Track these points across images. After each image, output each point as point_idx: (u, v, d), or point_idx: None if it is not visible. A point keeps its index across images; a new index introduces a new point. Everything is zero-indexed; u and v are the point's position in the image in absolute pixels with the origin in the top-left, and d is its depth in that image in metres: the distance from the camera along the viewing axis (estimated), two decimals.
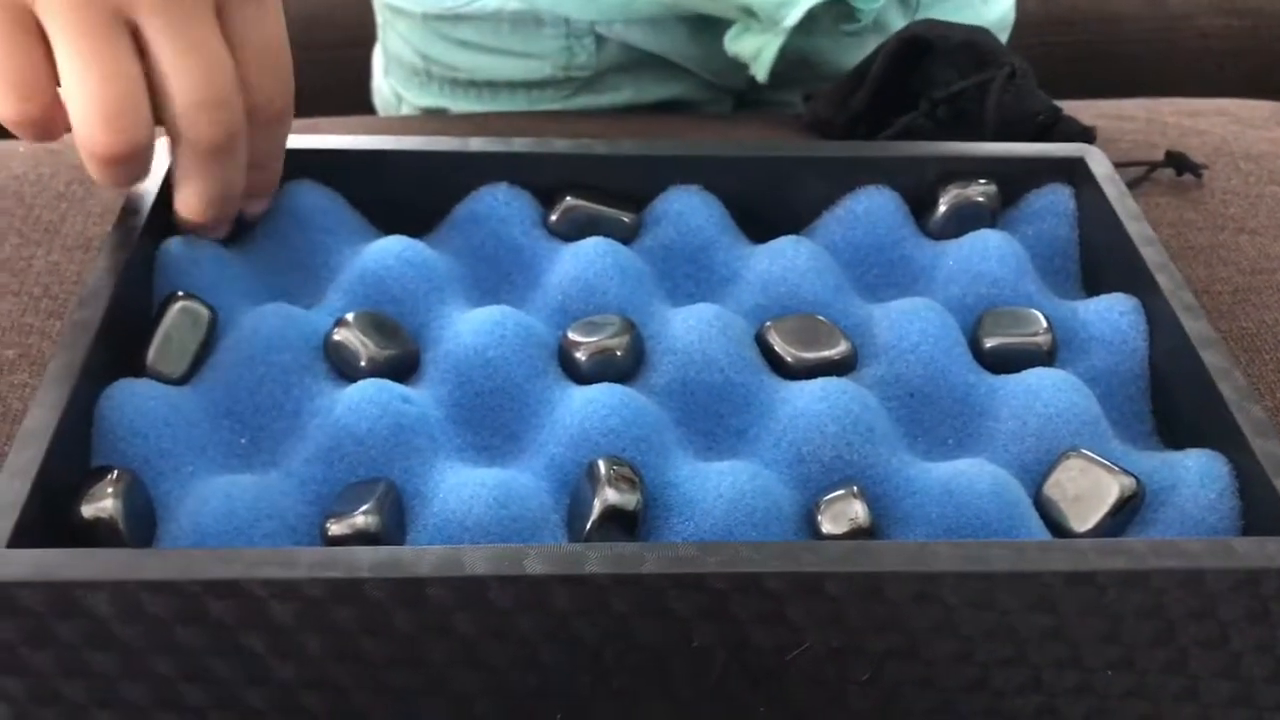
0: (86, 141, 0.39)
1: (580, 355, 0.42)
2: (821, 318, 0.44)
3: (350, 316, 0.42)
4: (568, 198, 0.48)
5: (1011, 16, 0.70)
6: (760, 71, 0.60)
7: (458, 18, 0.63)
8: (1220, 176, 0.59)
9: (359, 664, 0.34)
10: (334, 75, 0.82)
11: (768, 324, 0.44)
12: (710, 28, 0.63)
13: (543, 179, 0.48)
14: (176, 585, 0.32)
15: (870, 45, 0.59)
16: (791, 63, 0.60)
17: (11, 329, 0.47)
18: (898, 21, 0.64)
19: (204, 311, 0.42)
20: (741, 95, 0.70)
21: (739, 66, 0.62)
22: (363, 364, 0.41)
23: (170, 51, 0.39)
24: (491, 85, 0.66)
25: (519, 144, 0.48)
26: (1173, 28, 0.87)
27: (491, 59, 0.64)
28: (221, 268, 0.45)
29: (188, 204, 0.43)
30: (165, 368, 0.41)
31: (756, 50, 0.59)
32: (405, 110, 0.71)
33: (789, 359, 0.43)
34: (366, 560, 0.33)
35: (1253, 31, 0.88)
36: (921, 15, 0.64)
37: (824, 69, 0.64)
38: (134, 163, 0.40)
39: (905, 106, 0.57)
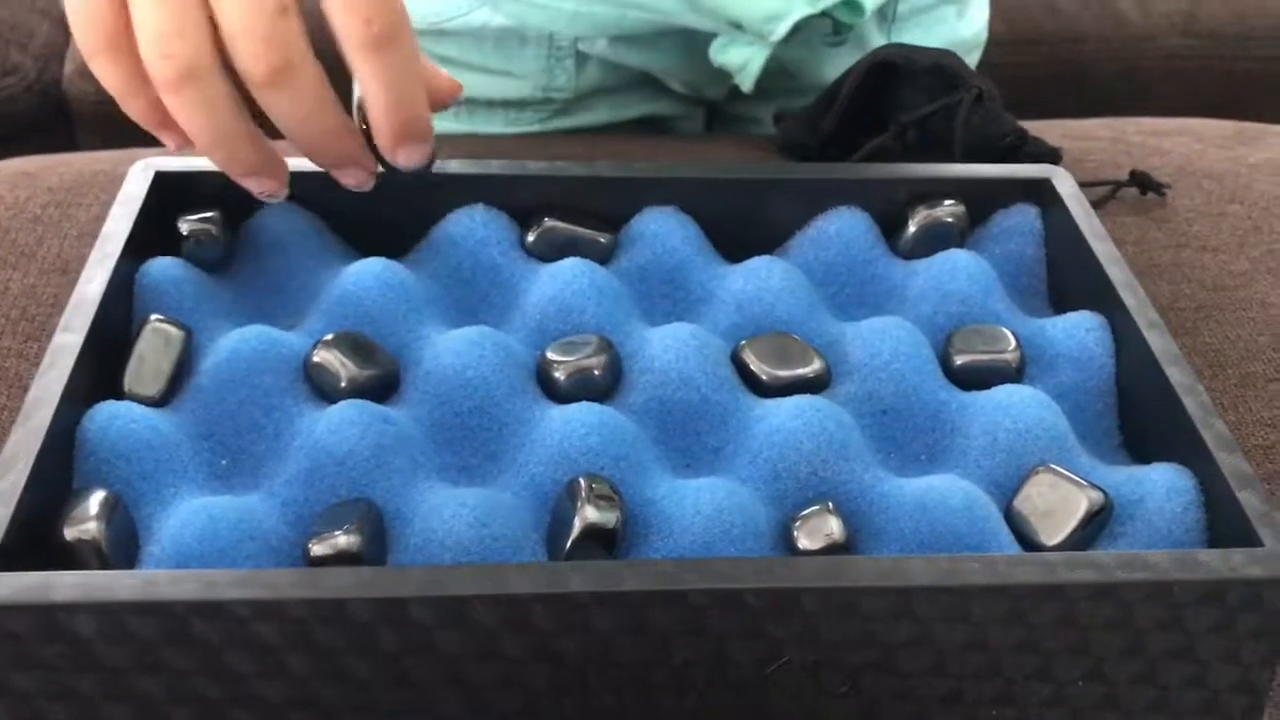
0: (149, 68, 0.37)
1: (559, 374, 0.43)
2: (795, 336, 0.45)
3: (330, 337, 0.43)
4: (545, 219, 0.48)
5: (985, 35, 0.71)
6: (745, 82, 0.61)
7: (441, 33, 0.64)
8: (1183, 195, 0.60)
9: (344, 684, 0.34)
10: None
11: (743, 343, 0.45)
12: (693, 40, 0.63)
13: (519, 200, 0.49)
14: (160, 607, 0.32)
15: (847, 58, 0.60)
16: (771, 73, 0.61)
17: None
18: (875, 36, 0.65)
19: (176, 332, 0.42)
20: (714, 108, 0.71)
21: (719, 77, 0.63)
22: (343, 385, 0.42)
23: None
24: (471, 103, 0.66)
25: (496, 165, 0.49)
26: (1137, 49, 0.89)
27: (472, 76, 0.65)
28: (201, 290, 0.45)
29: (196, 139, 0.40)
30: (141, 389, 0.41)
31: (744, 61, 0.60)
32: None
33: (764, 377, 0.44)
34: (349, 581, 0.33)
35: (1214, 52, 0.89)
36: (898, 31, 0.65)
37: (801, 80, 0.65)
38: (193, 90, 0.37)
39: (875, 129, 0.58)
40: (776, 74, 0.64)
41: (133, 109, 0.39)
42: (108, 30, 0.38)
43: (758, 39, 0.59)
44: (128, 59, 0.38)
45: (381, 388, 0.43)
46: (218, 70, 0.38)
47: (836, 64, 0.61)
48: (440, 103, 0.43)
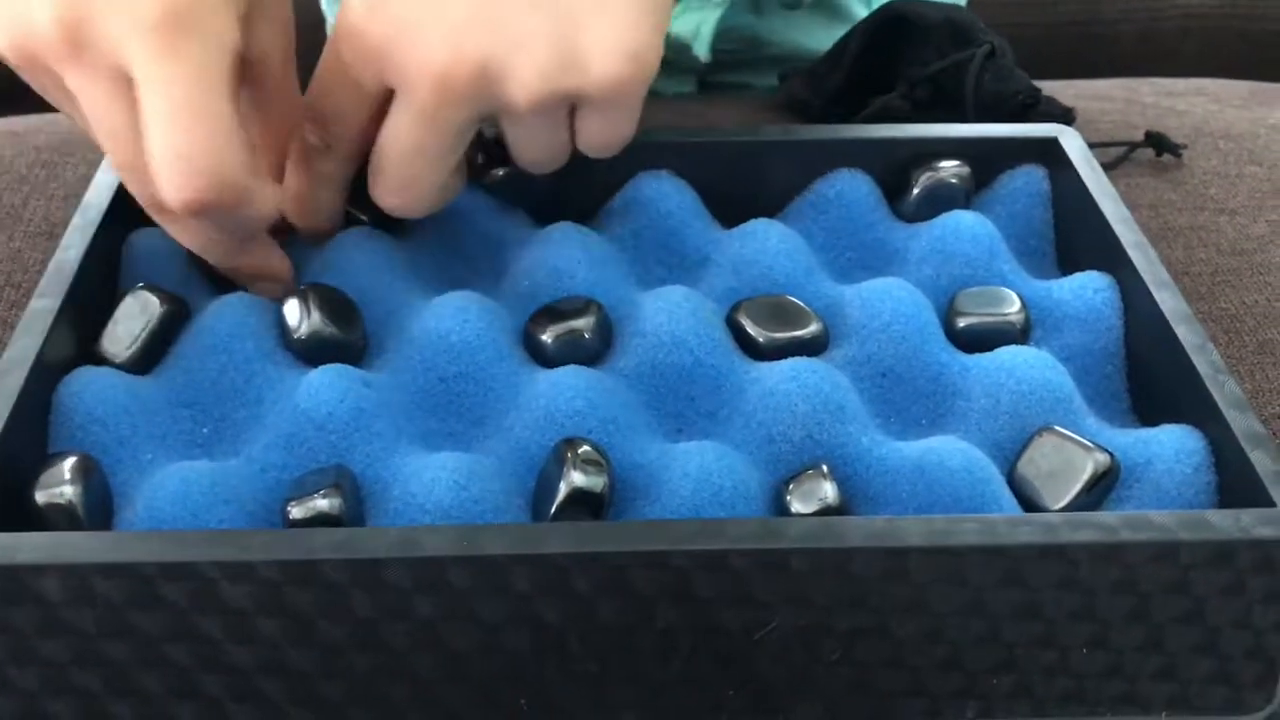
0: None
1: (546, 338, 0.42)
2: (792, 298, 0.44)
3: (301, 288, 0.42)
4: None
5: None
6: (701, 49, 0.59)
7: None
8: (1200, 156, 0.59)
9: (317, 648, 0.33)
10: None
11: (738, 304, 0.43)
12: None
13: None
14: (128, 568, 0.31)
15: (825, 26, 0.59)
16: (743, 42, 0.59)
17: None
18: (853, 2, 0.63)
19: (152, 298, 0.41)
20: (705, 79, 0.70)
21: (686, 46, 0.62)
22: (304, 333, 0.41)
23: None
24: None
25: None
26: (1154, 7, 0.87)
27: None
28: (189, 260, 0.44)
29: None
30: (109, 353, 0.40)
31: (694, 27, 0.58)
32: None
33: (760, 339, 0.42)
34: (323, 541, 0.32)
35: (1232, 10, 0.87)
36: None
37: (778, 49, 0.63)
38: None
39: (883, 87, 0.56)
40: (751, 44, 0.62)
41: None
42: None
43: (705, 3, 0.57)
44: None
45: (344, 330, 0.41)
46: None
47: (817, 32, 0.59)
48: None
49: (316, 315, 0.41)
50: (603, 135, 0.41)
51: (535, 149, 0.42)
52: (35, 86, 0.38)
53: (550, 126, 0.40)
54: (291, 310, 0.41)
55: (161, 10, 0.35)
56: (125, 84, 0.36)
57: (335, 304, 0.42)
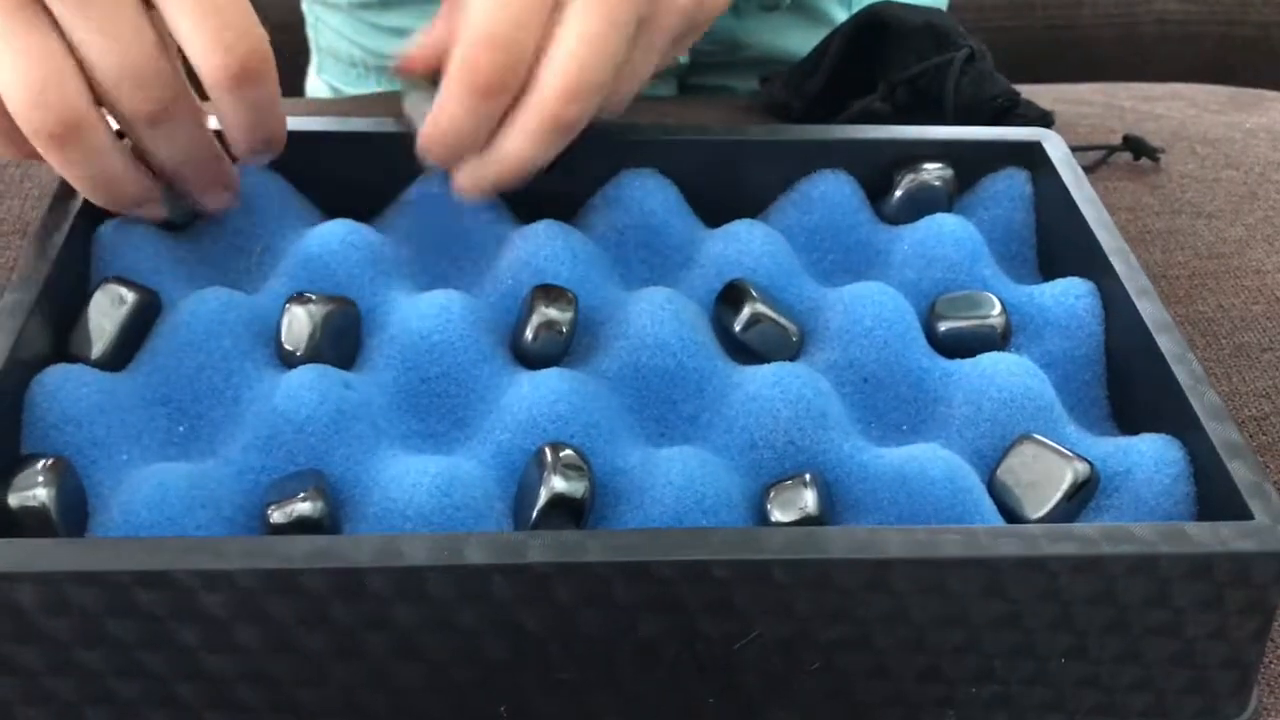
0: (23, 125, 0.37)
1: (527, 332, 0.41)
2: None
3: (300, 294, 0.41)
4: None
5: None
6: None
7: (384, 5, 0.62)
8: (1177, 161, 0.59)
9: (295, 657, 0.33)
10: None
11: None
12: None
13: None
14: (103, 576, 0.31)
15: (803, 29, 0.58)
16: (722, 44, 0.59)
17: None
18: (832, 5, 0.63)
19: (127, 293, 0.40)
20: (683, 80, 0.69)
21: None
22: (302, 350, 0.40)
23: (82, 28, 0.36)
24: None
25: None
26: (1132, 12, 0.87)
27: None
28: (161, 252, 0.43)
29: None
30: (82, 350, 0.40)
31: None
32: None
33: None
34: (301, 550, 0.32)
35: (1210, 16, 0.88)
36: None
37: (756, 51, 0.63)
38: (78, 142, 0.38)
39: (863, 89, 0.56)
40: (730, 47, 0.62)
41: (8, 153, 0.39)
42: None
43: None
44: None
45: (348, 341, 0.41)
46: (99, 119, 0.38)
47: (795, 35, 0.59)
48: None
49: (317, 335, 0.40)
50: (660, 65, 0.43)
51: (637, 76, 0.42)
52: None
53: (667, 48, 0.42)
54: (291, 326, 0.40)
55: None
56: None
57: (336, 320, 0.41)
